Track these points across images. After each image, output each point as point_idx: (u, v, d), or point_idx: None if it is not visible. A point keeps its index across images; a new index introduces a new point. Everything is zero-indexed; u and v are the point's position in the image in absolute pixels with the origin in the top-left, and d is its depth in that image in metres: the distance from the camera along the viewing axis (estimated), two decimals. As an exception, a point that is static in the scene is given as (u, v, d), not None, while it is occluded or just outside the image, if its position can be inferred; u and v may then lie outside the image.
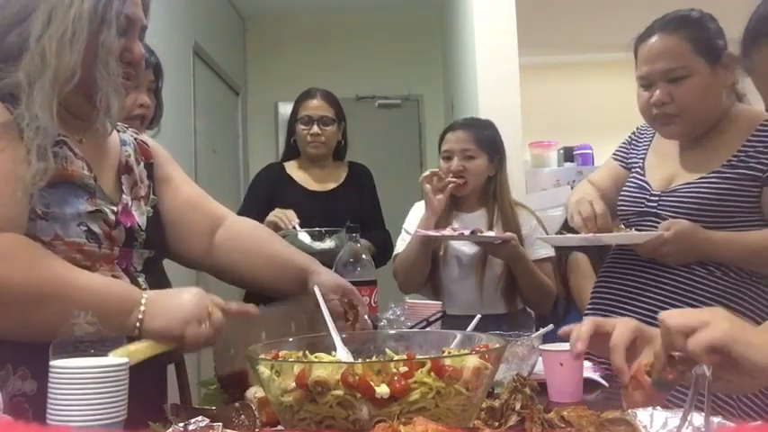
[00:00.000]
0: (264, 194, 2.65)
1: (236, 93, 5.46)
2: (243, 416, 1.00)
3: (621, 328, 1.01)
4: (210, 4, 4.84)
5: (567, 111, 5.78)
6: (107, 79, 1.14)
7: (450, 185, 2.18)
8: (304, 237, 2.31)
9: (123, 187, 1.25)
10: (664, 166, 1.73)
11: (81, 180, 1.15)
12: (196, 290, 1.13)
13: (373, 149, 5.32)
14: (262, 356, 0.93)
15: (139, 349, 1.02)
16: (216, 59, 4.79)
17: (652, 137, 1.82)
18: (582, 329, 1.04)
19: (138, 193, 1.29)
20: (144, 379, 0.99)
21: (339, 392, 0.82)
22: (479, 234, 2.05)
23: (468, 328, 1.24)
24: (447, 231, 2.11)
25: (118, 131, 1.32)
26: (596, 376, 1.39)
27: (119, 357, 0.92)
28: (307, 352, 1.01)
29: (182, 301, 1.09)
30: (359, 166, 2.81)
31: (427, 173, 2.23)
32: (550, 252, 2.30)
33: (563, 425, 0.86)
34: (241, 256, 1.39)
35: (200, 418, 0.91)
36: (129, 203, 1.25)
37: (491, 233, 2.10)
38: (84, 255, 1.12)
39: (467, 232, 2.06)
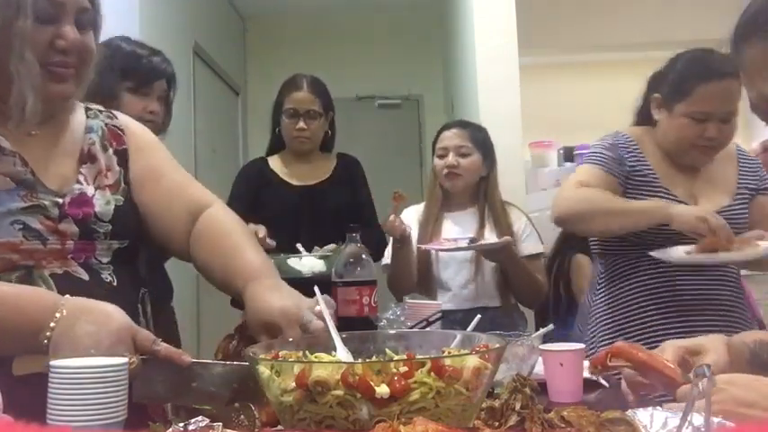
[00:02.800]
0: (246, 192, 2.54)
1: (236, 93, 5.46)
2: (242, 416, 1.00)
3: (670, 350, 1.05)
4: (210, 4, 4.84)
5: (567, 111, 5.77)
6: (23, 74, 1.05)
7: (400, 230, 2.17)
8: (293, 262, 2.17)
9: (82, 177, 1.18)
10: (682, 185, 1.85)
11: (14, 177, 1.08)
12: (119, 319, 0.99)
13: (373, 149, 5.32)
14: (262, 356, 0.93)
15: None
16: (216, 59, 4.80)
17: (636, 147, 1.85)
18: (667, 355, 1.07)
19: (102, 182, 1.21)
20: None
21: (339, 392, 0.82)
22: (480, 243, 2.15)
23: (468, 328, 1.24)
24: (448, 244, 2.19)
25: (88, 117, 1.25)
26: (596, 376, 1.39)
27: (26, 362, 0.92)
28: (307, 352, 1.01)
29: (95, 333, 0.95)
30: (348, 159, 2.69)
31: (391, 221, 2.17)
32: (540, 248, 2.38)
33: (563, 425, 0.86)
34: (203, 251, 1.25)
35: (200, 418, 0.91)
36: (91, 193, 1.17)
37: (490, 240, 2.19)
38: (22, 254, 1.06)
39: (465, 242, 2.15)
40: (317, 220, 2.43)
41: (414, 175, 5.57)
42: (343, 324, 1.55)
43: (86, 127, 1.24)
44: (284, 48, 5.64)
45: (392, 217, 2.17)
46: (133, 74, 1.93)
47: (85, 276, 1.14)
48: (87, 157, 1.21)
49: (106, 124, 1.28)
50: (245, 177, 2.63)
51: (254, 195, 2.53)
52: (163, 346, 1.00)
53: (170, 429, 0.88)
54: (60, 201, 1.13)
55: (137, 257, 1.28)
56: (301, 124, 2.50)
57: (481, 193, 2.38)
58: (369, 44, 5.62)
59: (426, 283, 2.31)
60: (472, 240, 2.16)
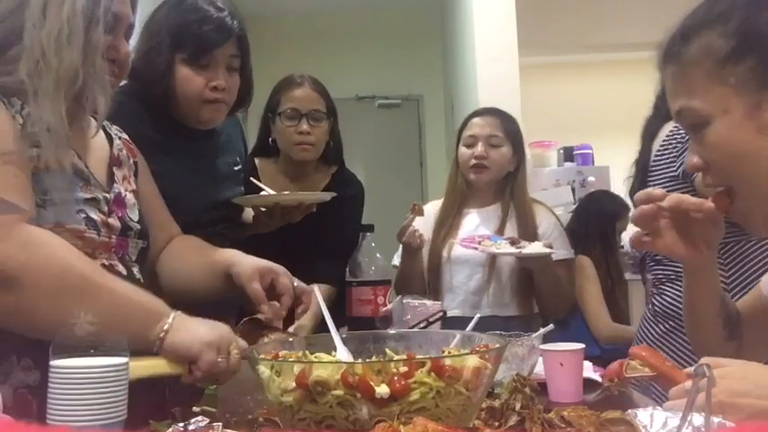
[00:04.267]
0: None
1: (235, 93, 5.46)
2: None
3: None
4: (210, 4, 4.84)
5: (567, 111, 5.78)
6: (94, 78, 1.11)
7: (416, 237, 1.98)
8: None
9: (116, 178, 1.25)
10: None
11: (74, 166, 1.13)
12: (223, 325, 1.12)
13: (373, 149, 5.33)
14: (262, 356, 0.93)
15: (148, 365, 1.01)
16: (216, 59, 4.80)
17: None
18: None
19: (127, 186, 1.28)
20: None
21: (339, 392, 0.82)
22: (522, 249, 1.89)
23: (468, 328, 1.24)
24: (486, 242, 1.93)
25: (103, 127, 1.30)
26: (596, 376, 1.39)
27: (138, 369, 0.92)
28: (307, 352, 1.01)
29: (207, 328, 1.08)
30: (346, 177, 2.17)
31: (411, 232, 1.97)
32: (569, 253, 2.16)
33: (563, 425, 0.86)
34: (181, 265, 1.36)
35: (200, 418, 0.91)
36: (123, 193, 1.24)
37: (530, 247, 1.90)
38: (84, 242, 1.11)
39: (504, 242, 1.92)
40: (295, 259, 1.72)
41: (414, 175, 5.57)
42: (358, 323, 1.56)
43: (109, 134, 1.30)
44: (284, 48, 5.63)
45: (412, 228, 1.97)
46: (186, 41, 1.56)
47: (124, 271, 1.19)
48: (117, 162, 1.28)
49: (119, 137, 1.34)
50: None
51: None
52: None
53: (170, 429, 0.88)
54: (108, 196, 1.19)
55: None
56: (305, 127, 2.03)
57: (507, 189, 2.14)
58: (369, 44, 5.63)
59: (435, 287, 2.12)
60: (513, 243, 1.91)
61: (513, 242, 1.91)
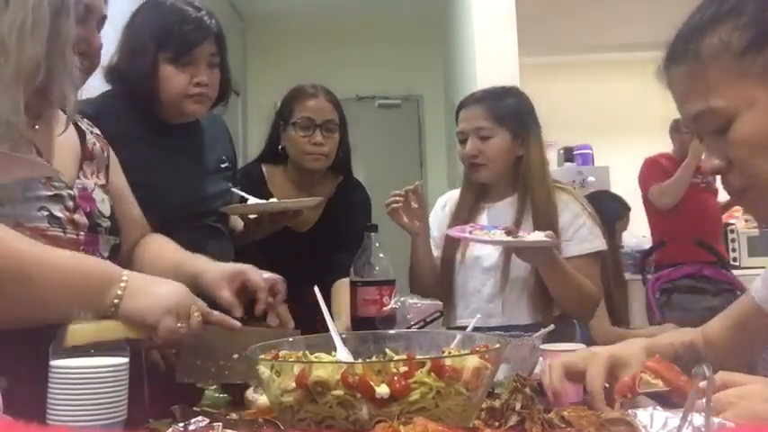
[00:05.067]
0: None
1: (236, 93, 5.45)
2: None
3: (593, 370, 1.04)
4: (210, 4, 4.82)
5: (567, 111, 5.77)
6: (63, 71, 1.06)
7: (395, 204, 1.83)
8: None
9: (84, 173, 1.21)
10: None
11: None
12: (182, 286, 1.09)
13: (373, 150, 5.32)
14: (262, 356, 0.93)
15: (104, 328, 0.96)
16: (216, 59, 4.80)
17: None
18: (552, 378, 1.08)
19: (98, 181, 1.24)
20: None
21: (339, 392, 0.82)
22: (514, 238, 1.66)
23: (468, 328, 1.24)
24: (477, 232, 1.74)
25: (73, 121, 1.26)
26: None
27: (79, 332, 0.90)
28: (307, 352, 1.01)
29: (164, 291, 1.05)
30: (352, 184, 2.23)
31: (392, 200, 1.85)
32: (598, 245, 1.88)
33: (563, 425, 0.86)
34: (150, 268, 1.30)
35: (200, 418, 0.91)
36: (91, 188, 1.20)
37: (532, 235, 1.69)
38: (48, 240, 1.07)
39: (499, 231, 1.69)
40: (308, 266, 1.92)
41: (414, 176, 5.56)
42: (363, 324, 1.57)
43: (78, 128, 1.26)
44: (284, 48, 5.64)
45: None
46: (169, 41, 1.61)
47: None
48: (90, 156, 1.24)
49: (91, 131, 1.30)
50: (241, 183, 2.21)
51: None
52: (216, 313, 1.12)
53: (170, 429, 0.88)
54: (73, 192, 1.16)
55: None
56: (319, 138, 2.05)
57: (520, 176, 1.89)
58: (369, 44, 5.63)
59: (448, 293, 1.93)
60: (509, 232, 1.66)
61: (509, 231, 1.66)
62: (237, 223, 1.93)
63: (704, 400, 0.71)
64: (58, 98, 1.09)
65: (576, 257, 1.83)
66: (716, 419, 0.74)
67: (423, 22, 5.59)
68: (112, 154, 1.34)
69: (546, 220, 1.82)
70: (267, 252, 1.88)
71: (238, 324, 1.15)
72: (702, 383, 0.71)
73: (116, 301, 1.01)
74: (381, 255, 1.67)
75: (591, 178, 4.35)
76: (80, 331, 0.90)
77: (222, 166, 1.82)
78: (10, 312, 0.92)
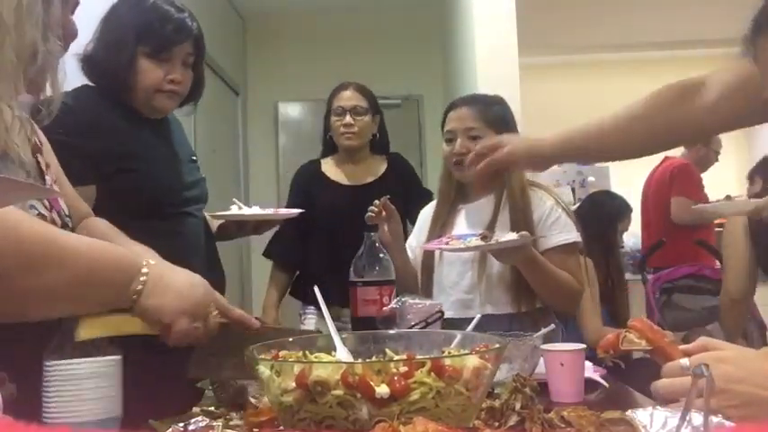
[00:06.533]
0: (301, 196, 2.65)
1: (236, 93, 5.46)
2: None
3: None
4: (210, 4, 4.83)
5: (566, 111, 5.76)
6: (47, 57, 0.99)
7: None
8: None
9: (42, 168, 1.13)
10: None
11: (18, 157, 1.01)
12: (201, 279, 1.05)
13: (373, 149, 5.31)
14: (262, 356, 0.93)
15: (120, 322, 0.94)
16: (216, 59, 4.79)
17: None
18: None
19: (52, 177, 1.16)
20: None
21: (339, 392, 0.82)
22: (490, 242, 1.73)
23: (468, 328, 1.24)
24: (454, 242, 1.82)
25: (9, 107, 1.16)
26: (596, 376, 1.39)
27: (93, 325, 0.89)
28: (307, 352, 1.01)
29: (184, 287, 1.01)
30: (398, 158, 2.77)
31: (368, 214, 1.94)
32: (573, 237, 1.94)
33: (563, 425, 0.86)
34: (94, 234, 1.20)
35: (200, 418, 0.91)
36: (51, 185, 1.13)
37: (505, 236, 1.74)
38: None
39: (475, 239, 1.76)
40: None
41: (414, 175, 5.57)
42: (363, 324, 1.57)
43: (20, 116, 1.12)
44: (284, 48, 5.63)
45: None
46: (149, 37, 1.68)
47: None
48: (38, 148, 1.15)
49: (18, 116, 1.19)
50: (299, 181, 2.74)
51: (305, 196, 2.62)
52: (237, 311, 1.10)
53: (170, 429, 0.88)
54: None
55: None
56: (348, 119, 2.57)
57: (498, 178, 1.97)
58: (369, 44, 5.62)
59: (428, 287, 2.02)
60: (484, 238, 1.74)
61: (483, 237, 1.74)
62: (213, 224, 2.02)
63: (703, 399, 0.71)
64: (39, 86, 1.03)
65: (552, 249, 1.91)
66: (715, 419, 0.74)
67: (423, 22, 5.59)
68: (44, 139, 1.23)
69: (522, 216, 1.92)
70: (332, 243, 2.46)
71: (257, 323, 1.13)
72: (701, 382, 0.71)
73: (134, 296, 0.96)
74: (381, 255, 1.67)
75: (591, 178, 4.36)
76: (93, 324, 0.89)
77: (193, 158, 1.91)
78: (31, 303, 0.85)
